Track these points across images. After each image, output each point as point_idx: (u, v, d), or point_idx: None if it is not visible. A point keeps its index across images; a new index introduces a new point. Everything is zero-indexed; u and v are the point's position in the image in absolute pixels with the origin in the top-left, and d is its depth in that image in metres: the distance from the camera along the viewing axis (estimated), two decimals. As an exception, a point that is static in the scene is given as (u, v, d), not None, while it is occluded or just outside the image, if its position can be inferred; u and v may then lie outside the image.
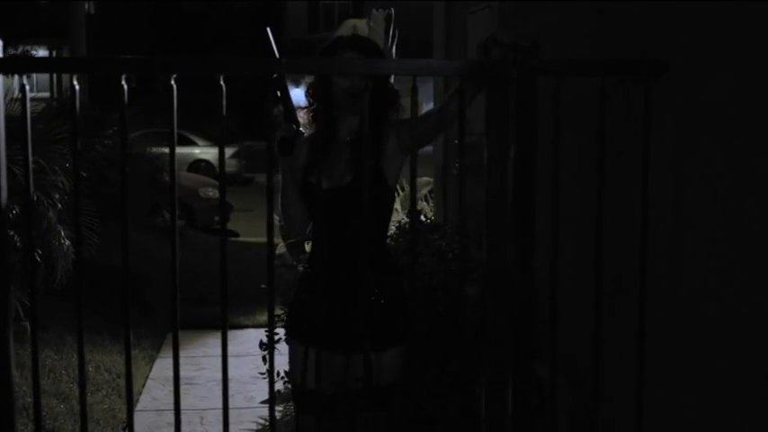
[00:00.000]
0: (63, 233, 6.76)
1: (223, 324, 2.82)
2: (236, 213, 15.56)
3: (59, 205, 6.79)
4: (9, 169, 6.30)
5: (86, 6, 29.36)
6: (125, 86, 2.88)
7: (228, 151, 24.44)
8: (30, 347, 4.38)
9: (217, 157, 21.15)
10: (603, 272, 3.15)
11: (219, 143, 2.81)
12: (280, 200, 3.51)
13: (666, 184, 3.18)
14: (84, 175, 7.38)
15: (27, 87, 3.07)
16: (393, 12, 7.19)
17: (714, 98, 2.89)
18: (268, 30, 3.39)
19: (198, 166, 24.05)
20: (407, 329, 3.62)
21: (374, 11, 7.23)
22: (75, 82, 3.08)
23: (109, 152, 9.14)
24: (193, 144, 24.81)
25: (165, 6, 35.80)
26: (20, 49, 23.39)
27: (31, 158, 3.06)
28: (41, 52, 25.25)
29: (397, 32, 7.29)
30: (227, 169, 12.25)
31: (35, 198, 6.67)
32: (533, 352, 3.59)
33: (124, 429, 5.62)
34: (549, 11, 4.61)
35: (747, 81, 2.67)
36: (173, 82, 2.68)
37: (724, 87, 2.82)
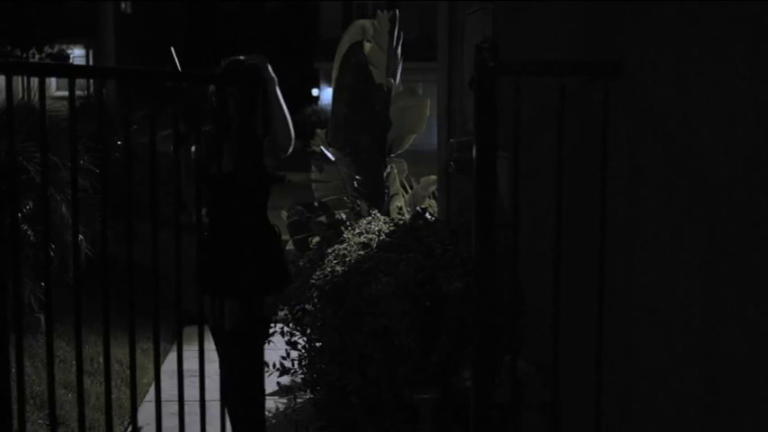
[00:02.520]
0: (76, 228, 6.92)
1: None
2: (280, 212, 15.71)
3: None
4: (23, 165, 6.49)
5: (122, 6, 29.75)
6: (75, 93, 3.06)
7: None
8: (42, 338, 4.56)
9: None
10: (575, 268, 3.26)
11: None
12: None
13: (623, 180, 3.29)
14: (97, 171, 7.55)
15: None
16: (397, 13, 7.33)
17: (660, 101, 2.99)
18: (172, 49, 4.43)
19: None
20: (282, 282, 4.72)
21: (379, 12, 7.40)
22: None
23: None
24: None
25: (201, 6, 36.11)
26: (56, 48, 23.71)
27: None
28: (77, 51, 25.58)
29: (402, 33, 7.45)
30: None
31: (48, 194, 6.86)
32: (497, 344, 3.71)
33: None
34: (539, 12, 4.69)
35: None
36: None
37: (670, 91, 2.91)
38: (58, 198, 6.98)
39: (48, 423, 5.76)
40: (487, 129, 3.34)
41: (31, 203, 6.72)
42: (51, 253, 7.06)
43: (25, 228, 6.72)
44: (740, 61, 2.45)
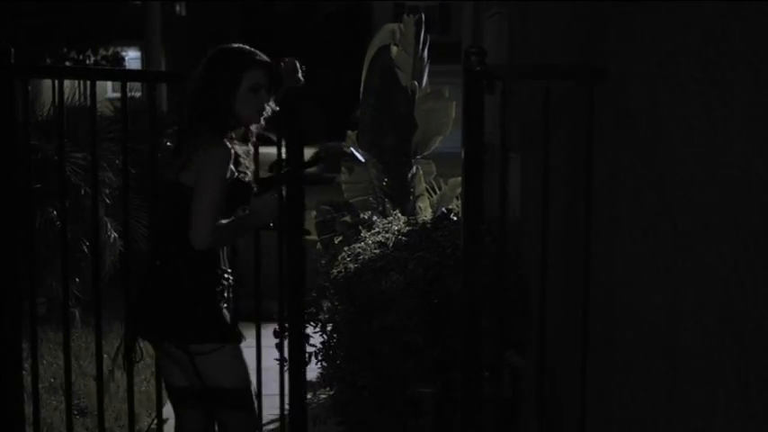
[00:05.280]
0: (110, 225, 7.16)
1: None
2: (310, 212, 15.89)
3: (107, 200, 7.20)
4: (59, 165, 6.73)
5: (177, 8, 30.22)
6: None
7: (309, 152, 24.71)
8: (76, 332, 4.76)
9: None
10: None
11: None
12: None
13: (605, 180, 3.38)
14: (133, 171, 7.78)
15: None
16: (423, 17, 7.45)
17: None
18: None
19: (280, 166, 24.36)
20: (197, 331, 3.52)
21: (405, 16, 7.52)
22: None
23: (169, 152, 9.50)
24: (275, 144, 25.11)
25: (255, 8, 36.49)
26: (110, 51, 24.15)
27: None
28: (131, 53, 26.03)
29: (428, 37, 7.56)
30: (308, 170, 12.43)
31: (83, 192, 7.10)
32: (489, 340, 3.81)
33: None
34: (552, 16, 4.79)
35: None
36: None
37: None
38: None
39: (75, 413, 6.01)
40: (475, 132, 3.45)
41: (66, 202, 6.94)
42: (85, 249, 7.32)
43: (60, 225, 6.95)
44: (695, 64, 2.55)
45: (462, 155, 3.50)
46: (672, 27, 2.74)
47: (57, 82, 3.89)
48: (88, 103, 4.09)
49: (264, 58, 3.58)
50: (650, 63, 2.92)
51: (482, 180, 3.49)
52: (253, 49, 3.59)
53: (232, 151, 3.42)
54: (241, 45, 3.59)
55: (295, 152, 4.09)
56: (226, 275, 3.56)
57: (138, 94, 20.20)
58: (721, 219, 2.39)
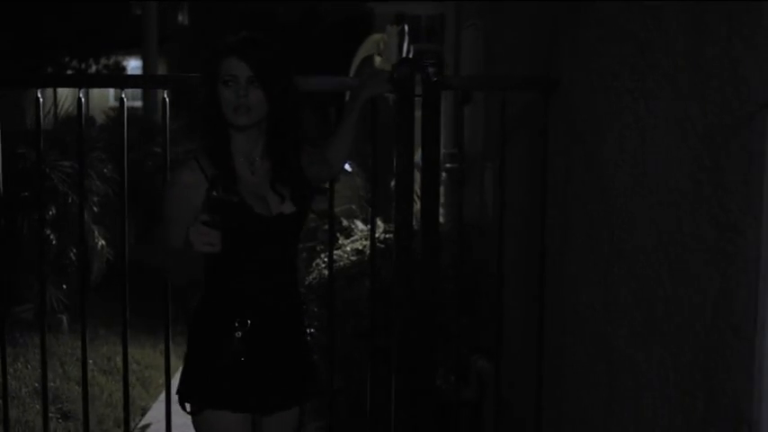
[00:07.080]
0: (97, 233, 7.27)
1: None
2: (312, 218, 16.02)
3: (95, 208, 7.30)
4: (45, 173, 6.83)
5: (180, 18, 30.33)
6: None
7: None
8: (63, 338, 4.82)
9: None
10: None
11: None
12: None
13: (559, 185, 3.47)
14: (118, 179, 7.90)
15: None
16: (406, 27, 7.55)
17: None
18: None
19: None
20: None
21: (388, 26, 7.62)
22: None
23: (160, 160, 9.62)
24: None
25: (258, 15, 36.56)
26: (111, 60, 24.29)
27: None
28: (133, 62, 26.15)
29: (411, 47, 7.66)
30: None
31: (71, 200, 7.21)
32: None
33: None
34: (518, 29, 4.89)
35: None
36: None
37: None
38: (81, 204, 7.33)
39: (58, 416, 6.11)
40: (432, 142, 3.54)
41: (54, 209, 7.06)
42: (73, 257, 7.42)
43: (48, 232, 7.06)
44: (628, 77, 2.64)
45: (420, 164, 3.60)
46: (611, 40, 2.84)
47: (44, 91, 3.99)
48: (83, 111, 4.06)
49: (244, 41, 2.83)
50: (592, 75, 3.02)
51: (438, 189, 3.59)
52: (236, 36, 2.87)
53: (187, 176, 2.71)
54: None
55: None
56: (246, 322, 2.76)
57: (136, 104, 20.24)
58: (647, 226, 2.48)
